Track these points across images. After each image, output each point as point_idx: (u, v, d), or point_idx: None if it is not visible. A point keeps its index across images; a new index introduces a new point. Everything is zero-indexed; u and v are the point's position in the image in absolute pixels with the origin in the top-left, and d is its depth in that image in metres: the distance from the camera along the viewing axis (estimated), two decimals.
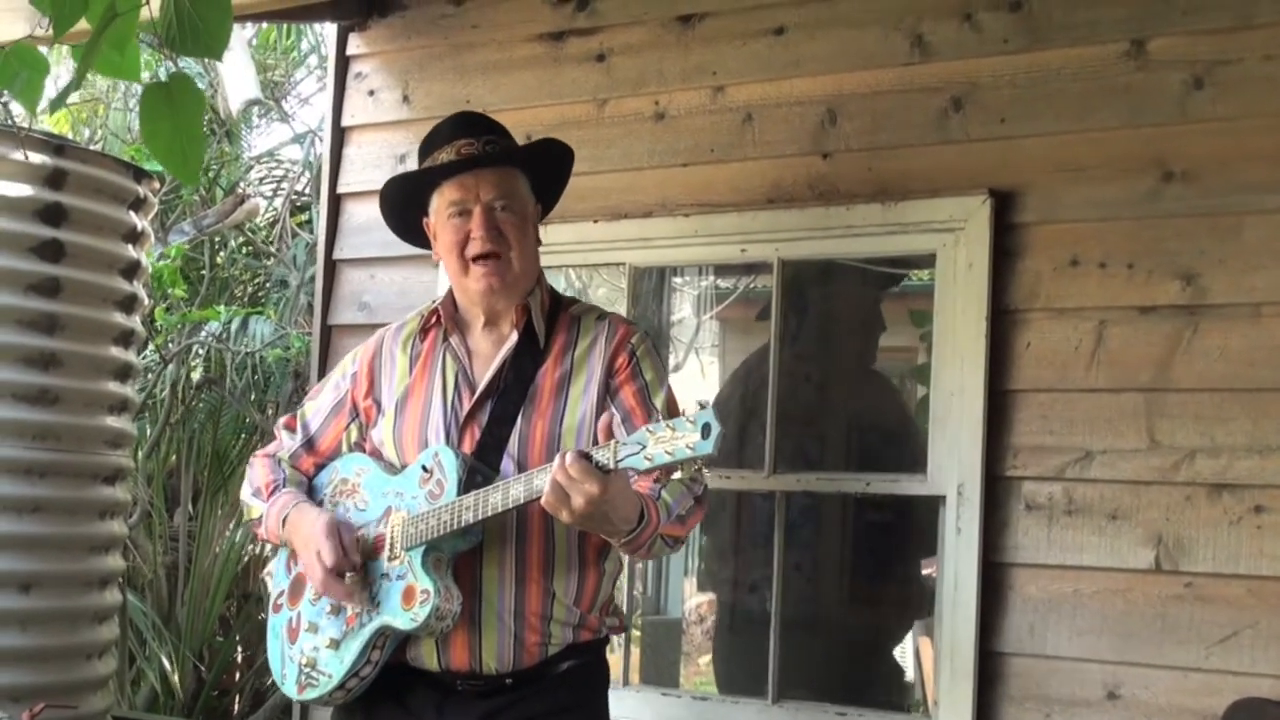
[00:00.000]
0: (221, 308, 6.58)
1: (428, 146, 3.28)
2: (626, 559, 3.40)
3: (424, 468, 3.05)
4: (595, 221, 4.34)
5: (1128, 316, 3.65)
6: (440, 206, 3.21)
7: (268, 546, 7.33)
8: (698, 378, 7.38)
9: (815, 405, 5.04)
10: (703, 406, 2.63)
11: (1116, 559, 3.60)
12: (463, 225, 3.16)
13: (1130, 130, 3.69)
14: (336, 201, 4.91)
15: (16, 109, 7.41)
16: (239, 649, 7.59)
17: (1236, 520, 3.48)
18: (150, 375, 6.79)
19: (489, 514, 2.88)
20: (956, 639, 3.74)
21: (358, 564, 3.04)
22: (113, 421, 4.45)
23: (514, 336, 3.19)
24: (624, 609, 3.49)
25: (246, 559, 7.61)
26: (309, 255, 7.07)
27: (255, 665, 7.37)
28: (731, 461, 4.39)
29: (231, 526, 7.57)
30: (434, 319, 3.30)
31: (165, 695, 6.75)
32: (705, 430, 2.57)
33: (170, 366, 6.76)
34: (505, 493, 2.85)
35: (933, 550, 4.00)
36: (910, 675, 5.84)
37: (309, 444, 3.36)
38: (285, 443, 3.38)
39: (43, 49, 2.33)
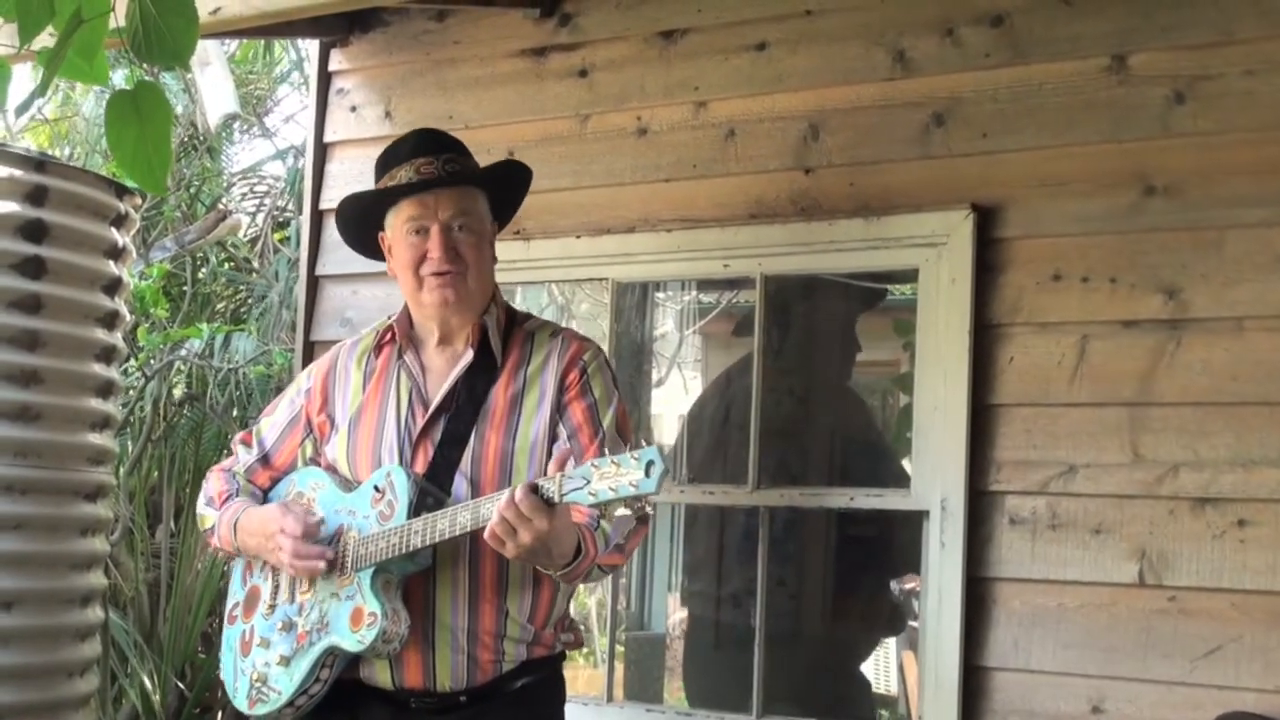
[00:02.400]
0: (204, 325, 6.56)
1: (385, 163, 3.28)
2: None
3: (376, 487, 3.06)
4: (578, 237, 4.34)
5: (1110, 331, 3.65)
6: (397, 223, 3.22)
7: None
8: (680, 392, 7.38)
9: (797, 419, 5.04)
10: (648, 443, 2.64)
11: (1100, 573, 3.61)
12: (420, 243, 3.17)
13: (1112, 145, 3.70)
14: (318, 217, 4.90)
15: None
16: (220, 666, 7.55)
17: (1220, 534, 3.49)
18: (132, 392, 6.76)
19: (436, 539, 2.89)
20: (940, 653, 3.74)
21: (321, 519, 3.08)
22: (94, 438, 4.43)
23: (469, 354, 3.19)
24: (583, 625, 3.46)
25: (228, 576, 7.57)
26: (291, 271, 7.06)
27: None
28: (716, 476, 4.39)
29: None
30: (389, 335, 3.31)
31: (147, 713, 6.71)
32: (649, 468, 2.58)
33: (152, 383, 6.73)
34: (453, 520, 2.86)
35: (914, 565, 4.00)
36: (895, 690, 5.85)
37: (264, 459, 3.37)
38: (241, 458, 3.40)
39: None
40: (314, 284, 4.88)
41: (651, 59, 4.35)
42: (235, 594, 3.34)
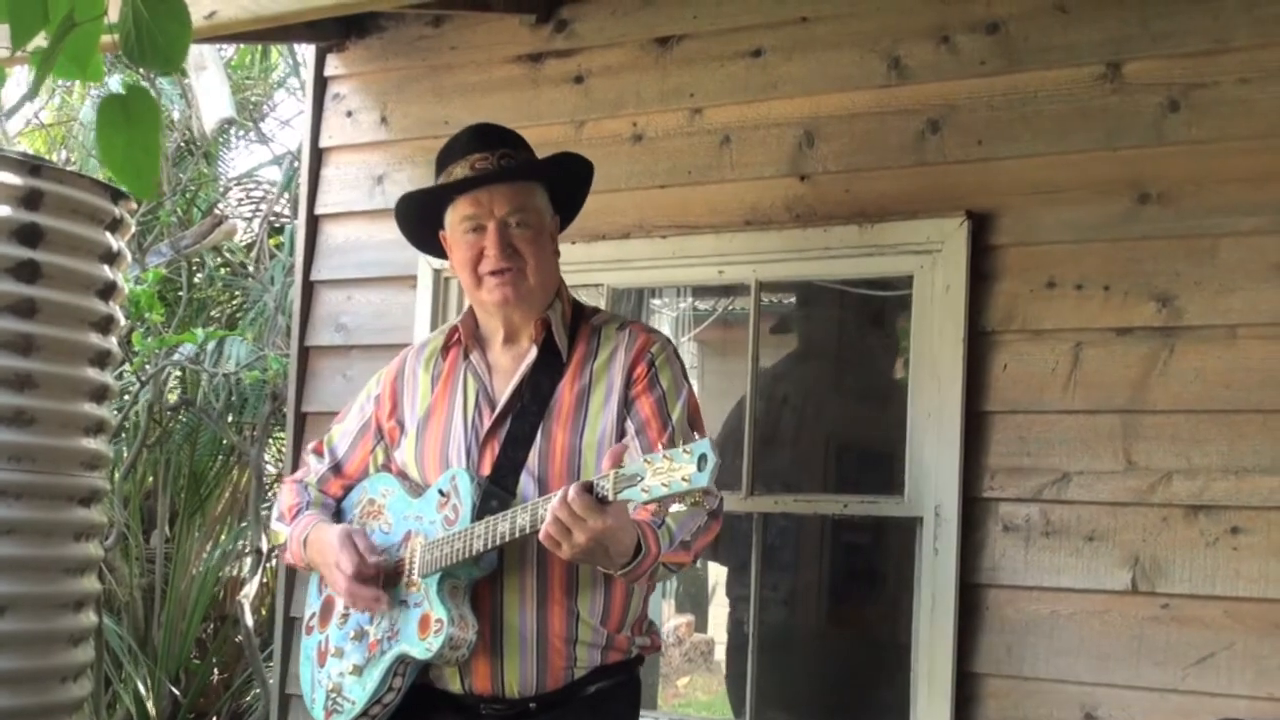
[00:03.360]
0: (199, 330, 6.56)
1: (443, 160, 3.23)
2: None
3: (441, 492, 3.03)
4: (573, 243, 4.32)
5: (1104, 338, 3.66)
6: (455, 221, 3.18)
7: (245, 569, 7.31)
8: None
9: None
10: (701, 437, 2.58)
11: (1094, 580, 3.61)
12: (476, 241, 3.12)
13: (1106, 152, 3.70)
14: (314, 223, 4.91)
15: None
16: (215, 672, 7.55)
17: (1213, 541, 3.49)
18: (127, 396, 6.76)
19: (498, 543, 2.84)
20: (934, 660, 3.74)
21: (378, 565, 3.02)
22: (89, 443, 4.43)
23: (533, 351, 3.15)
24: (658, 626, 3.36)
25: (223, 581, 7.58)
26: (286, 276, 7.06)
27: (232, 688, 7.34)
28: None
29: (208, 548, 7.55)
30: (455, 337, 3.27)
31: (141, 718, 6.71)
32: (701, 461, 2.50)
33: (147, 388, 6.73)
34: (513, 521, 2.81)
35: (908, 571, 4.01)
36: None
37: (336, 468, 3.34)
38: (313, 467, 3.38)
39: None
40: (309, 289, 4.88)
41: (647, 65, 4.35)
42: (312, 604, 3.31)
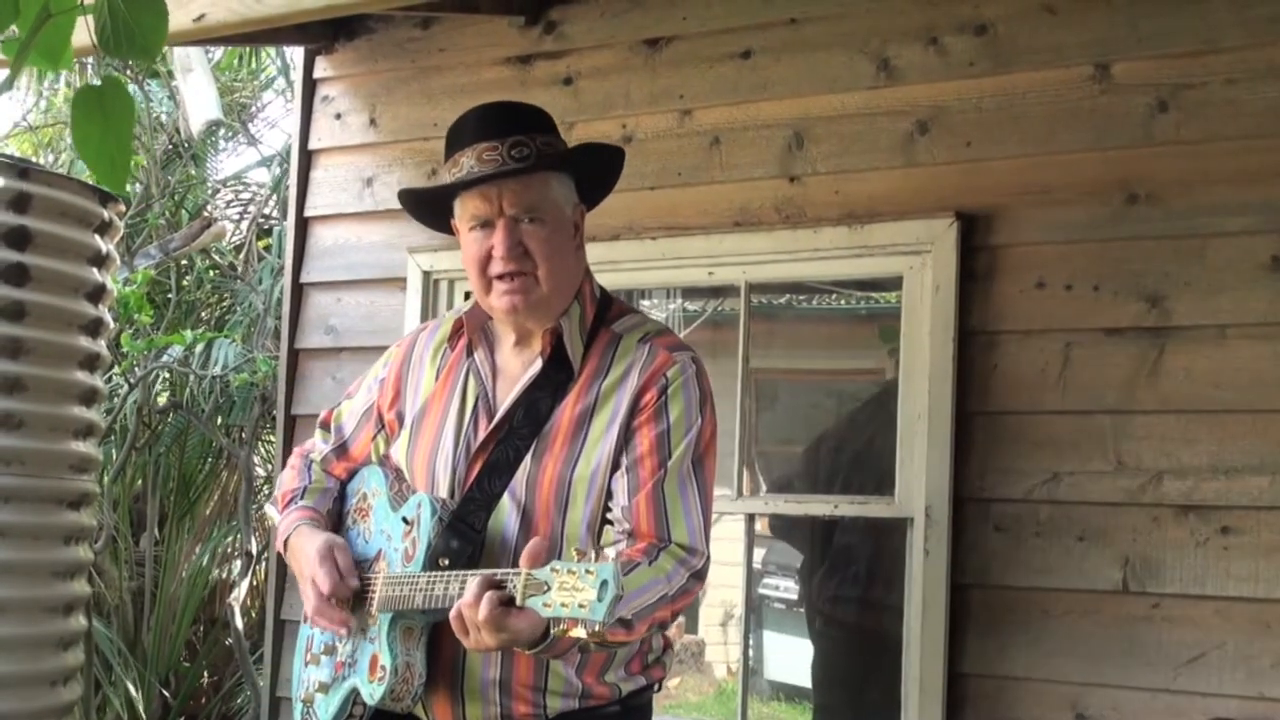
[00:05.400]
0: (188, 332, 6.55)
1: (452, 143, 2.86)
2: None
3: (405, 519, 2.81)
4: None
5: (1094, 338, 3.66)
6: (462, 216, 2.84)
7: (234, 571, 7.31)
8: None
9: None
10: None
11: (1084, 580, 3.61)
12: (484, 239, 2.78)
13: (1095, 153, 3.71)
14: (303, 225, 4.90)
15: None
16: (205, 674, 7.54)
17: (1204, 541, 3.50)
18: (116, 399, 6.75)
19: (434, 606, 2.59)
20: (925, 661, 3.75)
21: (355, 587, 2.79)
22: (78, 446, 4.41)
23: (538, 364, 2.83)
24: (672, 653, 3.07)
25: (213, 584, 7.57)
26: (275, 278, 7.05)
27: (222, 690, 7.33)
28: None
29: (198, 551, 7.54)
30: (459, 329, 2.97)
31: None
32: (601, 590, 2.24)
33: (136, 390, 6.72)
34: (445, 588, 2.56)
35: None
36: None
37: (341, 448, 3.11)
38: (319, 445, 3.15)
39: None
40: (298, 291, 4.88)
41: (636, 67, 4.35)
42: None
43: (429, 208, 2.97)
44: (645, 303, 6.39)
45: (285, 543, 2.97)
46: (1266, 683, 3.40)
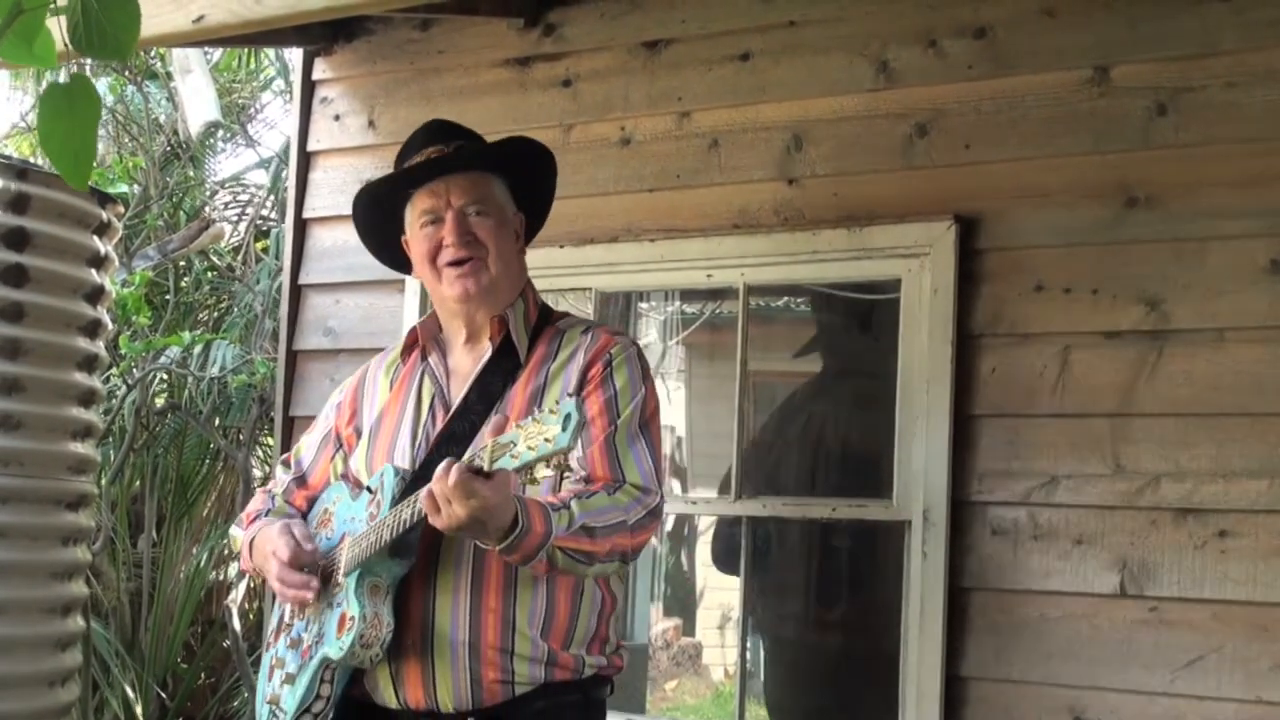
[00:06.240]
0: (186, 333, 6.55)
1: (401, 158, 3.16)
2: (620, 591, 3.12)
3: (369, 489, 2.94)
4: (561, 246, 4.33)
5: (1092, 341, 3.66)
6: (413, 219, 3.08)
7: (231, 572, 7.31)
8: (664, 403, 7.37)
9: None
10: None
11: (1082, 583, 3.61)
12: (435, 233, 3.02)
13: (1094, 156, 3.71)
14: (302, 226, 4.90)
15: None
16: (203, 676, 7.54)
17: (1201, 544, 3.50)
18: (114, 400, 6.75)
19: (403, 529, 2.70)
20: (922, 664, 3.74)
21: (313, 553, 2.93)
22: (76, 447, 4.42)
23: (488, 352, 3.03)
24: (625, 648, 3.17)
25: (210, 585, 7.57)
26: (273, 279, 7.05)
27: (219, 692, 7.33)
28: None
29: (195, 552, 7.54)
30: (413, 339, 3.18)
31: None
32: (565, 421, 2.40)
33: (134, 391, 6.71)
34: (414, 506, 2.66)
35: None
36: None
37: (301, 479, 3.25)
38: (280, 478, 3.30)
39: None
40: (296, 293, 4.88)
41: (635, 69, 4.35)
42: (273, 618, 3.18)
43: (383, 221, 3.19)
44: (643, 304, 6.38)
45: (251, 544, 3.10)
46: (1264, 686, 3.40)
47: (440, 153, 3.07)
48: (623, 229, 4.30)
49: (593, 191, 4.36)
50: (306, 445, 3.30)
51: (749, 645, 4.16)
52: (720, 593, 7.10)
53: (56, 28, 1.94)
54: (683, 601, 7.94)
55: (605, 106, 4.39)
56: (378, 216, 3.23)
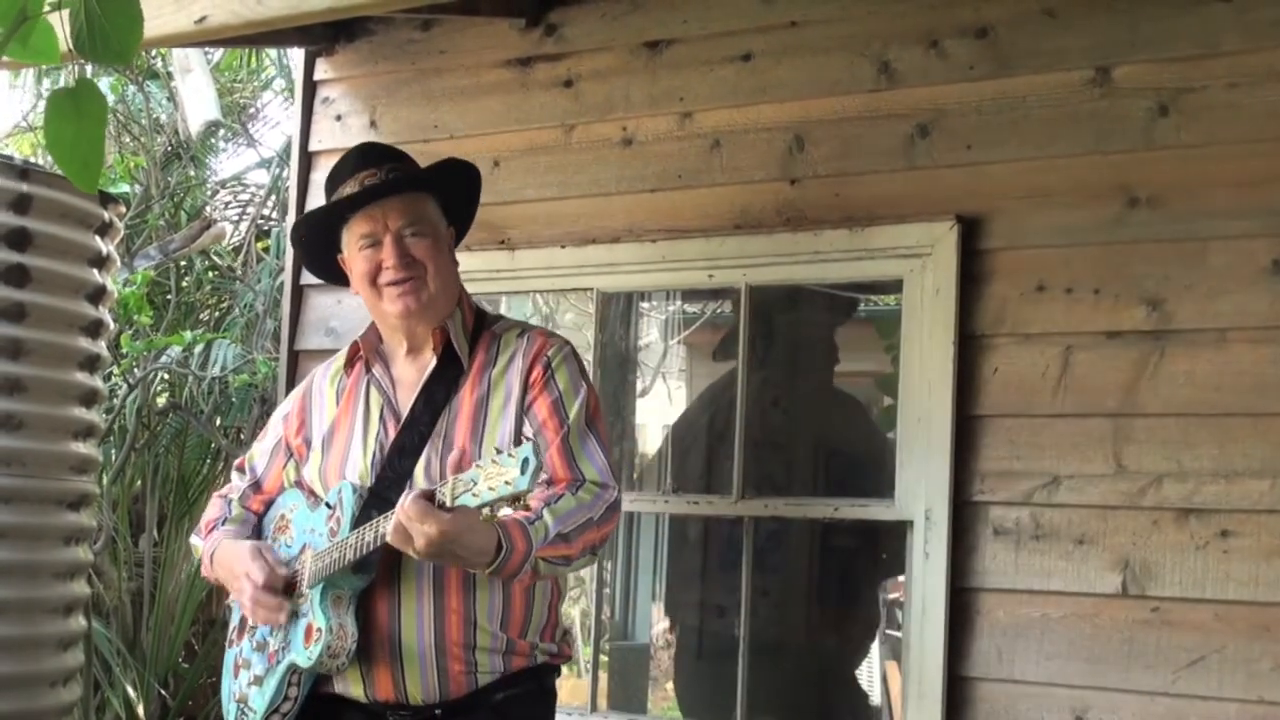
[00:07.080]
0: (187, 333, 6.55)
1: (332, 181, 3.28)
2: (566, 580, 3.34)
3: (328, 505, 3.09)
4: (563, 247, 4.34)
5: (1094, 342, 3.66)
6: (351, 241, 3.20)
7: None
8: (665, 402, 7.39)
9: (782, 430, 5.04)
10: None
11: (1084, 583, 3.61)
12: (374, 255, 3.14)
13: (1096, 157, 3.71)
14: None
15: None
16: (204, 675, 7.53)
17: (1203, 545, 3.50)
18: (115, 400, 6.75)
19: (365, 552, 2.87)
20: (924, 664, 3.75)
21: (285, 574, 3.06)
22: (78, 447, 4.42)
23: (432, 363, 3.17)
24: (573, 636, 3.41)
25: (211, 585, 7.55)
26: (274, 279, 7.05)
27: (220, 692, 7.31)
28: (700, 486, 4.39)
29: None
30: (356, 352, 3.29)
31: None
32: (524, 465, 2.57)
33: (135, 391, 6.71)
34: (376, 530, 2.83)
35: (896, 573, 4.01)
36: (877, 700, 5.84)
37: (256, 485, 3.38)
38: (236, 484, 3.42)
39: None
40: (298, 293, 4.88)
41: (637, 69, 4.35)
42: (234, 619, 3.33)
43: (318, 242, 3.33)
44: (645, 304, 6.38)
45: (212, 557, 3.25)
46: (1266, 686, 3.40)
47: (373, 177, 3.19)
48: (624, 229, 4.30)
49: (594, 192, 4.36)
50: (259, 452, 3.42)
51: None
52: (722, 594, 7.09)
53: (58, 23, 1.95)
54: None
55: (607, 107, 4.39)
56: (312, 236, 3.37)
